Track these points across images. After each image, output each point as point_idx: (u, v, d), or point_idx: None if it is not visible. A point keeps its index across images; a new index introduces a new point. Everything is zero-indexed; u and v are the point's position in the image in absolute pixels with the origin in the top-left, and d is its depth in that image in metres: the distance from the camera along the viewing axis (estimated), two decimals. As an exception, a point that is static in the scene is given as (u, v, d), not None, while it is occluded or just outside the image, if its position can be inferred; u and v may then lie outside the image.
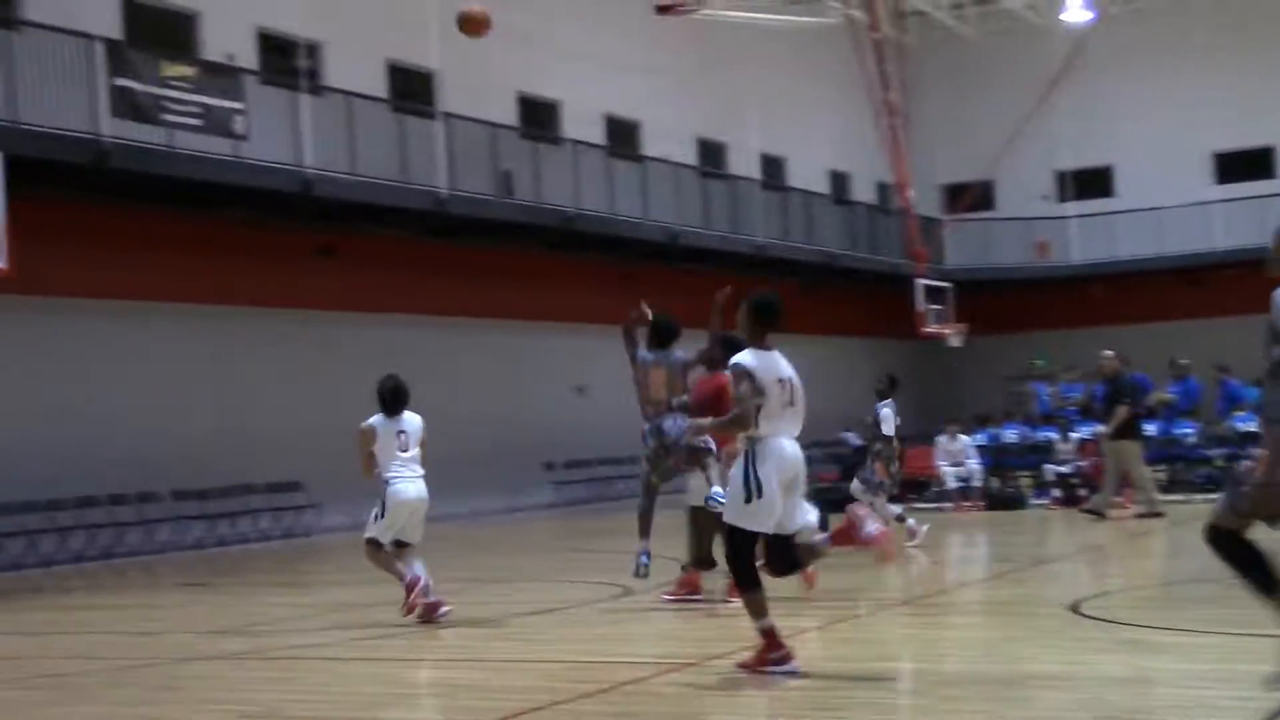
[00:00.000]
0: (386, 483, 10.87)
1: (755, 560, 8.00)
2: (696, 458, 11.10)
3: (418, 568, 10.85)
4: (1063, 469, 21.53)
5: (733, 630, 9.01)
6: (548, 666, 8.49)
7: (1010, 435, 24.33)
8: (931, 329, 32.07)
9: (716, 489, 10.45)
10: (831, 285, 35.93)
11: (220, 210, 22.26)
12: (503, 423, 26.44)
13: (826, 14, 33.63)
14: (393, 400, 10.97)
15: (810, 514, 9.26)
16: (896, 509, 15.81)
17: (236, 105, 20.98)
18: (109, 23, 21.02)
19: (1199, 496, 19.48)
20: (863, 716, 6.98)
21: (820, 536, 8.67)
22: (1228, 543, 6.33)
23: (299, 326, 23.35)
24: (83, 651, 10.86)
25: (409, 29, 25.19)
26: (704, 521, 11.13)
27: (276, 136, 21.95)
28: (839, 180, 38.70)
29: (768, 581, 8.00)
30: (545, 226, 26.92)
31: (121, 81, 19.50)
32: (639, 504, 11.47)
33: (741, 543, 7.92)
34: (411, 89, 26.14)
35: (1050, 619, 9.78)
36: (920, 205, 35.46)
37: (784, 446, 7.90)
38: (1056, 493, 21.22)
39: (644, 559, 11.22)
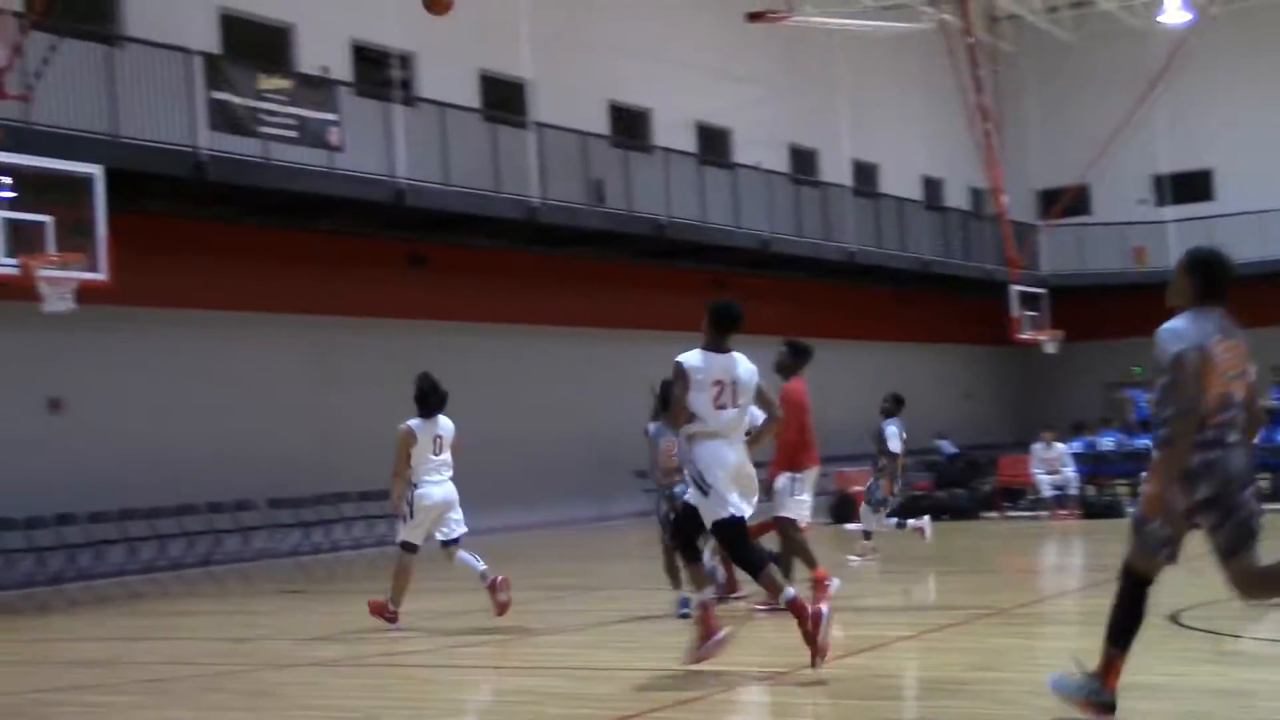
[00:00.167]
0: (415, 485, 11.18)
1: (754, 543, 8.36)
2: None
3: (476, 563, 11.07)
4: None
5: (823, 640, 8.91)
6: (638, 675, 8.45)
7: (1107, 443, 24.02)
8: (1026, 336, 31.65)
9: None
10: (925, 292, 35.68)
11: (314, 221, 22.53)
12: (594, 430, 26.45)
13: (919, 19, 33.39)
14: (433, 397, 11.36)
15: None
16: (892, 521, 15.94)
17: (331, 117, 21.23)
18: (207, 37, 21.33)
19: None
20: (956, 727, 6.89)
21: (710, 589, 8.64)
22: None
23: (391, 336, 23.51)
24: (178, 657, 11.00)
25: (501, 39, 25.34)
26: (790, 531, 11.39)
27: (370, 147, 22.16)
28: (932, 186, 38.42)
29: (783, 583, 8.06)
30: (636, 235, 26.95)
31: (218, 95, 19.80)
32: (663, 561, 11.41)
33: (731, 534, 8.12)
34: (503, 99, 26.28)
35: (1150, 629, 9.45)
36: (1015, 211, 35.03)
37: (719, 447, 8.08)
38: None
39: (684, 606, 10.60)
